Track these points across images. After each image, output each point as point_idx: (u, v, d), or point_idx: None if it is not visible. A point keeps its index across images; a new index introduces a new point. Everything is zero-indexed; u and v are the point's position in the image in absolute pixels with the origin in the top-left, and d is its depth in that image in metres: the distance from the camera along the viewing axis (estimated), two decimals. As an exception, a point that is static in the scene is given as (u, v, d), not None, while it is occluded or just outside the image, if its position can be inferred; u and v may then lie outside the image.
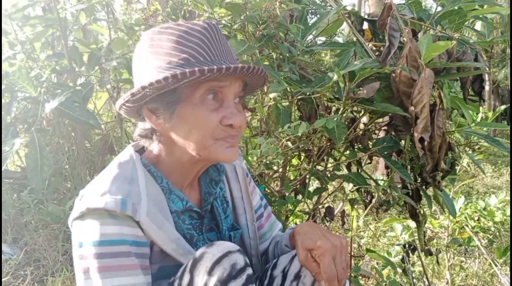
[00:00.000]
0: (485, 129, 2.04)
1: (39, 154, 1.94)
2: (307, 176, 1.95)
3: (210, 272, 0.86)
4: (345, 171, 2.09)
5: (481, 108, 2.25)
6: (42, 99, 2.05)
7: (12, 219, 2.21)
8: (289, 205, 2.01)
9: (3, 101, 2.25)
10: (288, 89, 1.73)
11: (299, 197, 2.07)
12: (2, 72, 2.15)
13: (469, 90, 1.81)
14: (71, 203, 2.08)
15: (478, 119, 2.62)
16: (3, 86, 2.15)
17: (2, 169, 1.90)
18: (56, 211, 2.13)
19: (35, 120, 2.05)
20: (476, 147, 2.36)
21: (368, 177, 1.99)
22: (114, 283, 0.89)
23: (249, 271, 0.90)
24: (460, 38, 1.79)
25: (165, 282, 0.97)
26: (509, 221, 3.14)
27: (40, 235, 2.11)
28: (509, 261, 2.48)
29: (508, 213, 3.21)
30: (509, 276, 2.19)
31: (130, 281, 0.90)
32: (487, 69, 1.70)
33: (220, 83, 0.93)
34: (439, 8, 1.78)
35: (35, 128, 2.00)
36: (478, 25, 2.42)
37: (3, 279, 1.88)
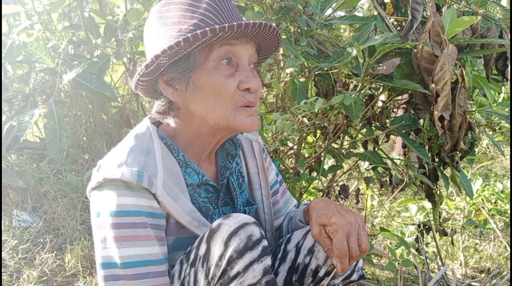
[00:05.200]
0: (506, 109, 1.98)
1: (57, 125, 1.96)
2: (322, 154, 1.94)
3: (226, 243, 0.87)
4: (361, 149, 2.07)
5: (503, 87, 2.19)
6: (60, 70, 2.06)
7: (32, 188, 2.26)
8: (303, 182, 2.01)
9: (21, 71, 2.27)
10: (305, 64, 1.70)
11: (314, 174, 2.07)
12: (20, 43, 2.16)
13: (493, 68, 1.75)
14: (89, 174, 2.12)
15: (500, 99, 2.55)
16: (21, 57, 2.16)
17: (21, 140, 1.93)
18: (75, 181, 2.17)
19: (53, 91, 2.07)
20: (497, 128, 2.31)
21: (385, 156, 1.97)
22: (130, 252, 0.90)
23: (265, 242, 0.91)
24: (485, 14, 1.72)
25: (181, 253, 0.99)
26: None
27: (59, 204, 2.16)
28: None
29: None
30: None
31: (146, 251, 0.91)
32: None
33: (232, 43, 0.92)
34: (466, -18, 1.71)
35: (53, 100, 2.02)
36: (504, 1, 2.32)
37: (23, 246, 1.94)
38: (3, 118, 2.13)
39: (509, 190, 3.27)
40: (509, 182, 3.40)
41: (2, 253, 1.88)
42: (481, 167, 4.15)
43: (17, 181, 2.16)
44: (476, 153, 2.60)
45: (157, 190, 0.92)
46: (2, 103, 2.40)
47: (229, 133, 1.04)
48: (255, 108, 0.97)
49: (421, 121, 1.90)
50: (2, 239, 1.97)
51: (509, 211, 2.93)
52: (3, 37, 2.22)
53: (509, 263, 2.40)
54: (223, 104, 0.94)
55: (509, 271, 2.19)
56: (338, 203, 1.22)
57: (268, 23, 0.92)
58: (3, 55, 2.13)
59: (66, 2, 2.24)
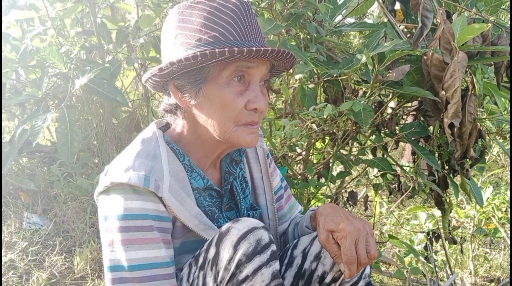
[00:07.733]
0: (518, 117, 1.96)
1: (69, 129, 1.99)
2: (331, 160, 1.94)
3: (235, 247, 0.88)
4: (370, 156, 2.06)
5: (515, 95, 2.16)
6: (72, 75, 2.09)
7: (42, 191, 2.29)
8: (311, 188, 2.01)
9: (34, 76, 2.31)
10: (315, 70, 1.71)
11: (322, 180, 2.06)
12: (33, 48, 2.19)
13: (503, 75, 1.74)
14: (99, 178, 2.13)
15: (511, 107, 2.52)
16: (34, 61, 2.20)
17: (34, 144, 1.96)
18: (85, 184, 2.19)
19: (65, 96, 2.10)
20: (508, 135, 2.28)
21: (394, 163, 1.96)
22: (138, 255, 0.91)
23: (273, 247, 0.91)
24: (495, 21, 1.71)
25: (188, 256, 1.00)
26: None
27: (69, 207, 2.18)
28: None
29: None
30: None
31: (152, 254, 0.92)
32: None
33: (248, 64, 0.93)
34: (476, -11, 1.71)
35: (65, 104, 2.05)
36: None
37: (33, 248, 1.96)
38: (16, 121, 2.16)
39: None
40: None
41: (13, 255, 1.91)
42: (492, 175, 4.10)
43: (28, 183, 2.19)
44: (486, 161, 2.57)
45: (163, 193, 0.93)
46: (15, 107, 2.44)
47: (231, 147, 1.05)
48: (257, 126, 0.98)
49: (431, 128, 1.89)
50: (13, 241, 2.00)
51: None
52: (17, 42, 2.26)
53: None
54: (227, 120, 0.95)
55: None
56: (346, 209, 1.22)
57: (286, 50, 0.93)
58: (16, 59, 2.17)
59: (79, 8, 2.27)
